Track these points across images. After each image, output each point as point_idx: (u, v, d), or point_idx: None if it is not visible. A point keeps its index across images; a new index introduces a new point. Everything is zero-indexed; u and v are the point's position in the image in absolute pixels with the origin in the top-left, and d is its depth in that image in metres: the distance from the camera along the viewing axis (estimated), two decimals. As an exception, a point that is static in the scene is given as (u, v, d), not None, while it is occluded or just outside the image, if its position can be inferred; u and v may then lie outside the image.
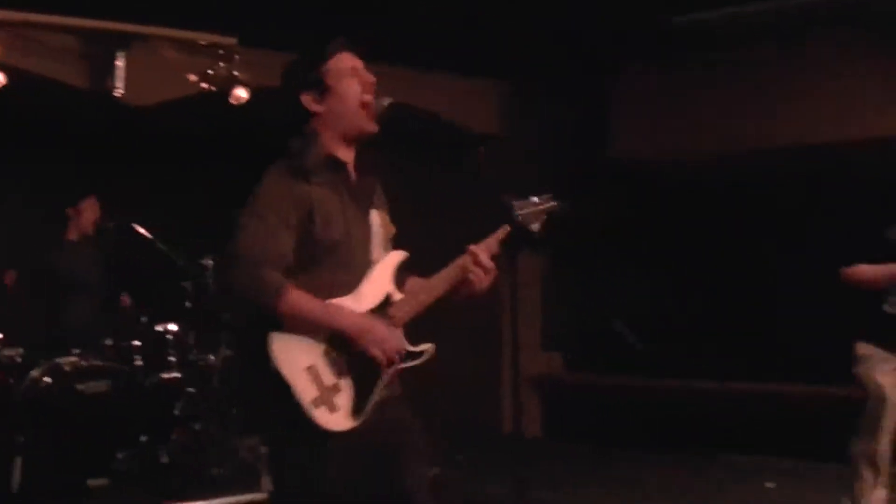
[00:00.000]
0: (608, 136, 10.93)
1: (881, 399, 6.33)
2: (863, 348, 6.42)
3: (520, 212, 4.11)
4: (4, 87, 8.05)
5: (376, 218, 4.03)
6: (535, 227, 4.15)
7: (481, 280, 3.99)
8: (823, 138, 9.73)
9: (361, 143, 4.01)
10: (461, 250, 4.04)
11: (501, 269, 4.13)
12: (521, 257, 4.22)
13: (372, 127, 3.96)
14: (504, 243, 4.09)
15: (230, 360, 7.98)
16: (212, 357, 8.06)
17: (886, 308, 6.34)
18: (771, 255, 10.22)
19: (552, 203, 4.20)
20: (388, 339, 3.81)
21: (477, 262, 3.98)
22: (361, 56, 4.03)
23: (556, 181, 4.22)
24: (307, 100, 3.93)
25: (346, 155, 3.97)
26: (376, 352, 3.78)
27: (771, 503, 8.26)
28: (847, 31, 9.58)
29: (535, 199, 4.17)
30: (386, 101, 4.01)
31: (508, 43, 9.59)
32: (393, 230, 4.10)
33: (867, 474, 6.40)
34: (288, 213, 3.76)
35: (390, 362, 3.83)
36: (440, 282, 3.99)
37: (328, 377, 3.74)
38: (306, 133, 3.92)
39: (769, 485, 8.71)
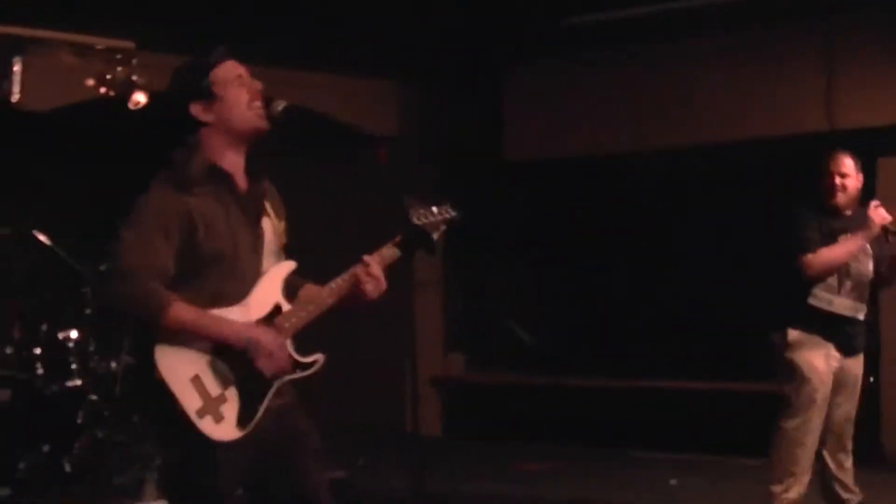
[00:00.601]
0: (503, 137, 10.99)
1: (819, 383, 6.47)
2: (795, 335, 6.53)
3: (418, 221, 4.14)
4: None
5: (268, 226, 4.01)
6: (435, 236, 4.17)
7: (372, 291, 4.00)
8: (714, 137, 9.89)
9: (253, 144, 3.98)
10: (363, 252, 4.05)
11: (399, 272, 4.15)
12: (418, 258, 4.25)
13: (263, 124, 3.94)
14: (402, 248, 4.11)
15: (131, 367, 7.91)
16: (113, 364, 7.98)
17: (812, 301, 6.49)
18: (667, 252, 10.35)
19: (451, 213, 4.24)
20: (275, 350, 3.81)
21: (369, 273, 3.99)
22: (245, 63, 4.02)
23: (454, 181, 4.27)
24: (196, 109, 3.90)
25: (234, 163, 3.95)
26: (263, 363, 3.78)
27: (674, 499, 8.35)
28: (736, 33, 9.76)
29: (434, 208, 4.20)
30: (281, 105, 4.00)
31: (407, 44, 9.63)
32: (284, 239, 4.09)
33: (801, 456, 6.53)
34: (168, 226, 3.74)
35: (277, 373, 3.83)
36: (331, 292, 3.99)
37: (214, 387, 3.74)
38: (189, 144, 3.90)
39: (672, 481, 8.82)
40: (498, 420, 10.83)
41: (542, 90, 10.84)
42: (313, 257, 4.15)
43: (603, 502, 8.24)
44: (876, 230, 6.39)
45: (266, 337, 3.81)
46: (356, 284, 3.99)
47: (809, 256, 6.37)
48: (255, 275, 3.92)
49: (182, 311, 3.70)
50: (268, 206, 4.05)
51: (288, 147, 4.08)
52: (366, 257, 4.02)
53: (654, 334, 10.32)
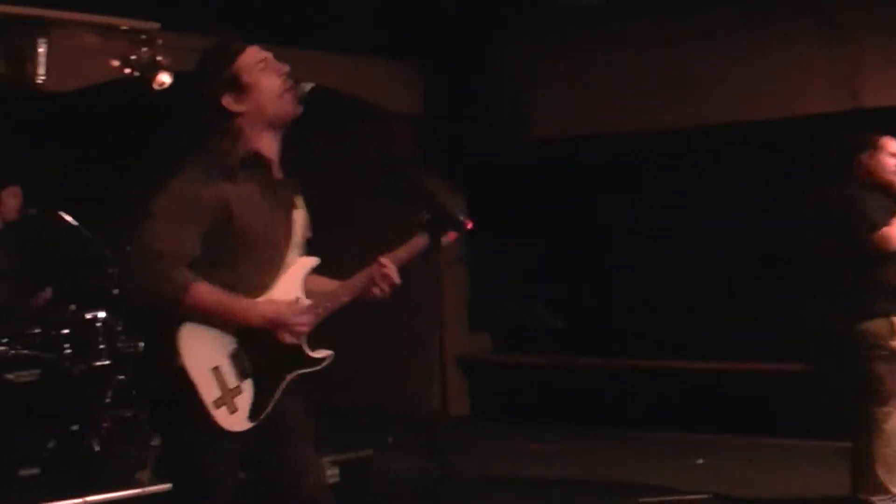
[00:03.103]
0: (527, 117, 10.95)
1: None
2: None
3: (446, 202, 4.15)
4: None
5: (298, 218, 4.02)
6: (462, 217, 4.19)
7: (384, 292, 4.06)
8: (724, 118, 9.89)
9: (287, 128, 3.97)
10: (381, 232, 4.05)
11: (426, 253, 4.15)
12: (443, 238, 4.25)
13: (296, 109, 3.94)
14: (430, 228, 4.12)
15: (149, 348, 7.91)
16: (140, 344, 8.01)
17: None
18: (689, 231, 10.29)
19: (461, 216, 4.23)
20: (298, 320, 3.84)
21: (383, 275, 4.03)
22: (265, 44, 4.01)
23: (477, 162, 4.26)
24: (228, 101, 3.88)
25: (272, 149, 3.94)
26: (291, 337, 3.84)
27: (700, 478, 8.28)
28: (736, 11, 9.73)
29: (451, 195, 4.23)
30: (308, 86, 3.99)
31: (429, 24, 9.65)
32: (309, 233, 4.10)
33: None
34: (198, 211, 3.73)
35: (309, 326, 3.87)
36: (345, 290, 4.04)
37: (232, 379, 3.77)
38: (225, 130, 3.87)
39: (699, 461, 8.81)
40: (523, 400, 10.83)
41: (558, 70, 10.80)
42: (334, 238, 4.15)
43: (630, 483, 8.21)
44: None
45: (285, 310, 3.84)
46: (370, 284, 4.04)
47: (886, 229, 6.21)
48: (280, 266, 3.94)
49: (203, 293, 3.70)
50: (297, 199, 4.06)
51: (309, 127, 4.06)
52: (381, 258, 4.06)
53: (682, 315, 10.28)
